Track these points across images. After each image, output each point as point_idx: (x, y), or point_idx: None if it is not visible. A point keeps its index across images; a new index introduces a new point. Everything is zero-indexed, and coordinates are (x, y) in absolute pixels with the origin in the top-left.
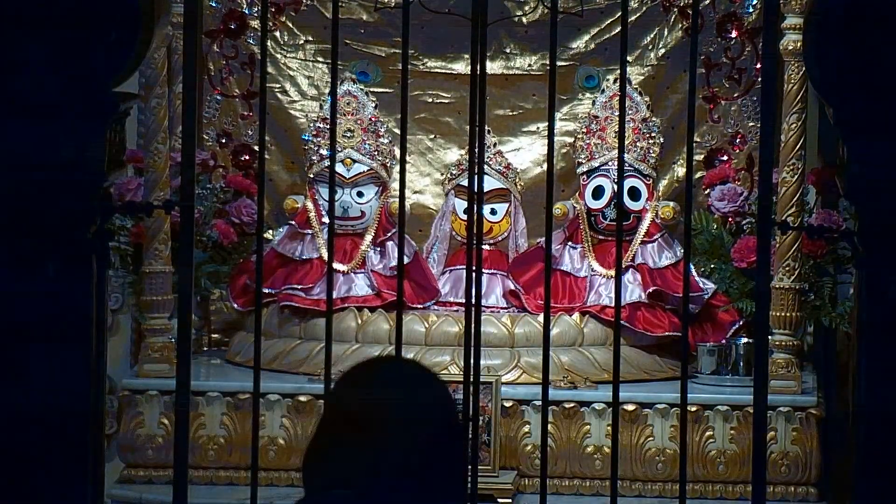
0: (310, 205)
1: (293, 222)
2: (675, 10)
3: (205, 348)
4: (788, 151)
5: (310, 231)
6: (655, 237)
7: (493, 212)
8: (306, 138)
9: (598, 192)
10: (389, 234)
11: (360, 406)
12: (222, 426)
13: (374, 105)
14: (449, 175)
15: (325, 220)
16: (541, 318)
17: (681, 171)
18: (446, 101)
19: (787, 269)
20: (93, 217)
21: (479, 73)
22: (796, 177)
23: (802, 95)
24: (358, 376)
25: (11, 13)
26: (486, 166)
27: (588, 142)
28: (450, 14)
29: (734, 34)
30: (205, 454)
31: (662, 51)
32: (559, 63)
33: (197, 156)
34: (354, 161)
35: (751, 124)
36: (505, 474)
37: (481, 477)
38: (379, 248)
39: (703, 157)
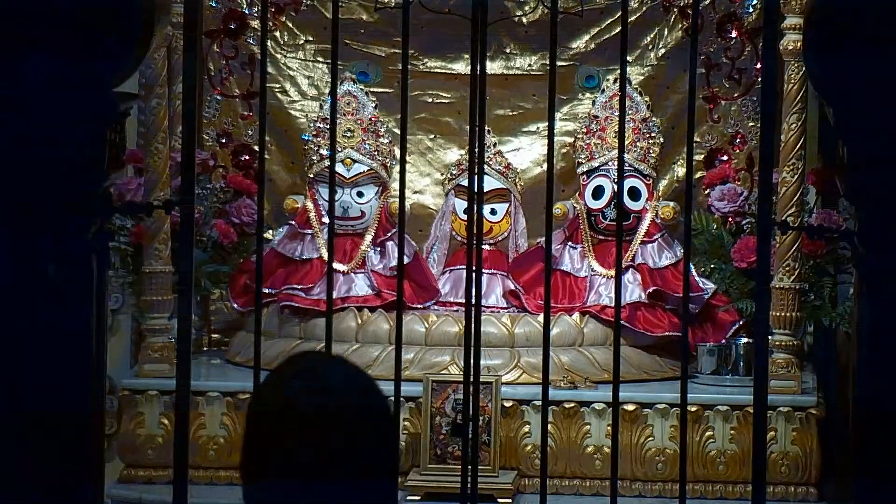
0: (310, 205)
1: (293, 222)
2: (675, 10)
3: (205, 348)
4: (788, 151)
5: (310, 231)
6: (655, 237)
7: (493, 212)
8: (306, 138)
9: (598, 192)
10: (389, 234)
11: (285, 404)
12: (222, 426)
13: (374, 105)
14: (449, 175)
15: (325, 220)
16: (541, 318)
17: (681, 171)
18: (446, 101)
19: (787, 269)
20: (93, 217)
21: (479, 73)
22: (796, 177)
23: (802, 95)
24: (279, 377)
25: (11, 13)
26: (486, 166)
27: (588, 142)
28: (450, 14)
29: (734, 34)
30: (205, 454)
31: (662, 51)
32: (559, 63)
33: (197, 156)
34: (354, 161)
35: (751, 124)
36: (505, 474)
37: (481, 477)
38: (379, 248)
39: (703, 157)
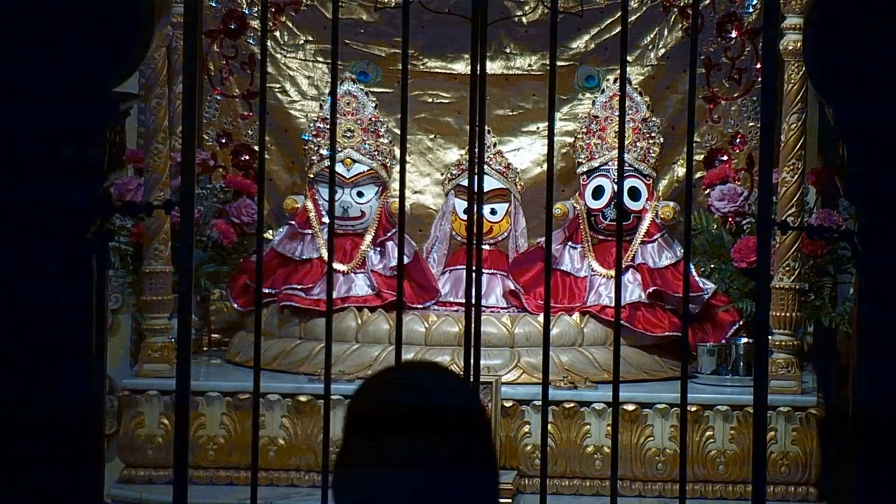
0: (310, 205)
1: (293, 222)
2: (675, 10)
3: (205, 348)
4: (788, 151)
5: (310, 231)
6: (655, 237)
7: (493, 212)
8: (306, 138)
9: (598, 192)
10: (389, 234)
11: (387, 409)
12: (222, 426)
13: (374, 105)
14: (449, 175)
15: (325, 220)
16: (541, 318)
17: (681, 171)
18: (446, 101)
19: (787, 269)
20: (93, 217)
21: (479, 73)
22: (796, 177)
23: (802, 95)
24: (381, 381)
25: (11, 13)
26: (486, 166)
27: (588, 142)
28: (450, 14)
29: (734, 34)
30: (205, 454)
31: (662, 51)
32: (559, 63)
33: (197, 156)
34: (354, 161)
35: (751, 124)
36: (505, 474)
37: None
38: (379, 248)
39: (703, 157)
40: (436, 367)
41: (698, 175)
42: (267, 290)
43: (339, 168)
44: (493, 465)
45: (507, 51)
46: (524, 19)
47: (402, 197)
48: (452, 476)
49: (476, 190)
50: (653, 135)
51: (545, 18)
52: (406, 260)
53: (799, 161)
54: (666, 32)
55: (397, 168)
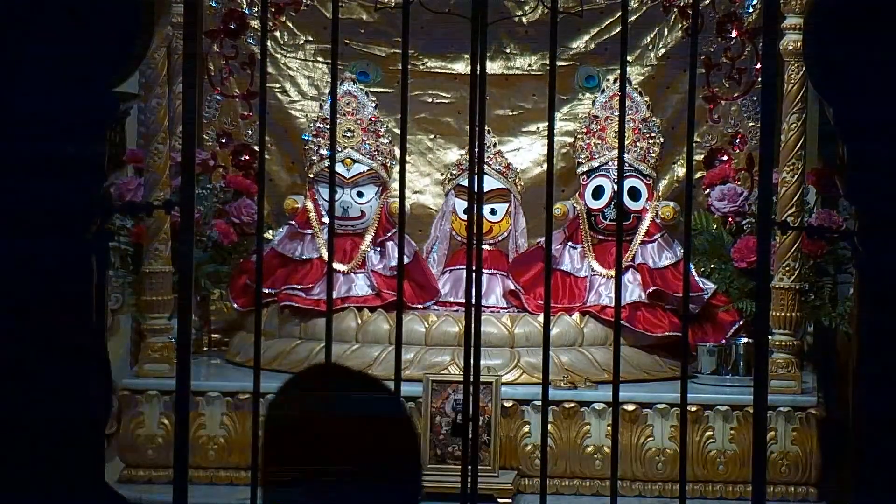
0: (310, 205)
1: (293, 222)
2: (675, 10)
3: (205, 348)
4: (788, 151)
5: (310, 231)
6: (655, 237)
7: (493, 212)
8: (306, 138)
9: (598, 192)
10: (389, 234)
11: (303, 414)
12: (222, 426)
13: (374, 105)
14: (449, 175)
15: (325, 220)
16: (541, 318)
17: (681, 171)
18: (446, 101)
19: (787, 269)
20: (93, 217)
21: (479, 73)
22: (796, 177)
23: (802, 95)
24: (297, 386)
25: (11, 13)
26: (486, 166)
27: (588, 142)
28: (450, 14)
29: (734, 34)
30: (205, 454)
31: (662, 51)
32: (559, 63)
33: (197, 156)
34: (354, 161)
35: (751, 124)
36: (505, 474)
37: (481, 477)
38: (379, 248)
39: (703, 157)
40: (361, 377)
41: (698, 175)
42: (267, 290)
43: (339, 168)
44: (416, 479)
45: (507, 51)
46: (524, 19)
47: (402, 197)
48: (373, 491)
49: (476, 190)
50: (653, 135)
51: (545, 18)
52: (406, 260)
53: (799, 161)
54: (666, 32)
55: (397, 168)
